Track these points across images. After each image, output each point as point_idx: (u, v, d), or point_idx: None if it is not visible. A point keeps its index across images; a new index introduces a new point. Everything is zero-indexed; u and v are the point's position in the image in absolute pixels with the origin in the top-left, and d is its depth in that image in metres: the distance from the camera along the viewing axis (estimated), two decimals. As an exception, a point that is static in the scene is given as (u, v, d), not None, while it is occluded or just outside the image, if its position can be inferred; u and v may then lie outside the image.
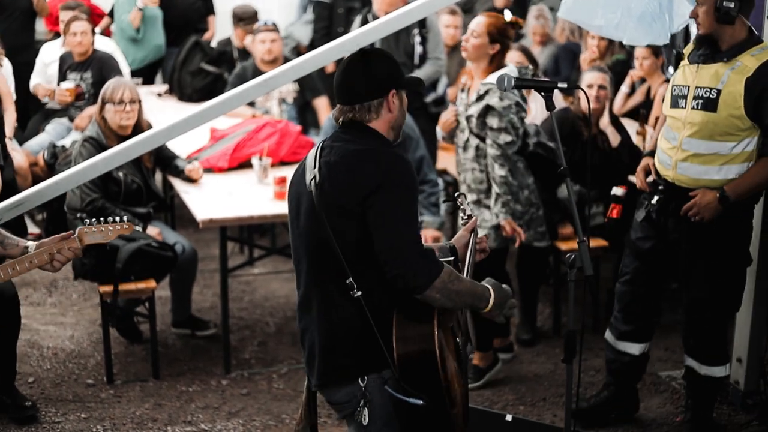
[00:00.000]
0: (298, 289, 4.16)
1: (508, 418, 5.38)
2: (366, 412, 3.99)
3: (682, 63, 5.72)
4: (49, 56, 9.81)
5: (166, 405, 6.47)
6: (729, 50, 5.47)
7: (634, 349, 6.10)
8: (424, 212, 7.24)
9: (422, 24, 8.90)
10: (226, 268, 6.90)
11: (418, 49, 9.00)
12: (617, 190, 7.04)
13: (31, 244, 4.76)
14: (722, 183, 5.51)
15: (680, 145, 5.60)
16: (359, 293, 3.88)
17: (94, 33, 9.33)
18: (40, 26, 11.31)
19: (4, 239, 4.82)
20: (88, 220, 4.80)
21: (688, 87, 5.58)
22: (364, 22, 8.64)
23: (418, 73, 8.96)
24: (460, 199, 4.72)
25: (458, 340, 4.20)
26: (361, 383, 3.99)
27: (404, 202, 3.87)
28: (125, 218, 4.85)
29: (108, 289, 6.68)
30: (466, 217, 4.61)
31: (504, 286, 4.13)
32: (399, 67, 4.14)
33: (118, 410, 6.39)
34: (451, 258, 4.28)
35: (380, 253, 3.84)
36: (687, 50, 5.76)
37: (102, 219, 4.80)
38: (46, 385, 6.71)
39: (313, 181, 3.96)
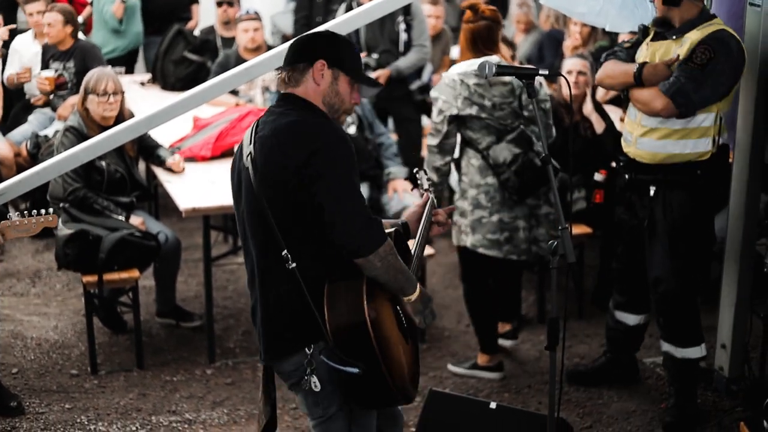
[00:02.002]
0: (246, 266, 4.23)
1: (493, 405, 5.38)
2: (314, 378, 4.06)
3: (645, 41, 5.84)
4: (20, 47, 9.78)
5: (151, 395, 6.46)
6: (680, 28, 5.63)
7: (629, 319, 6.32)
8: (389, 164, 7.37)
9: (407, 11, 8.89)
10: (210, 257, 6.89)
11: (403, 36, 8.99)
12: (598, 176, 7.07)
13: None
14: (680, 157, 5.67)
15: (639, 121, 5.77)
16: (294, 265, 3.94)
17: (73, 23, 9.27)
18: (21, 16, 11.27)
19: None
20: (11, 214, 4.74)
21: (638, 63, 5.73)
22: (349, 9, 8.64)
23: (404, 61, 8.96)
24: (418, 175, 4.78)
25: (399, 308, 4.23)
26: (307, 351, 4.05)
27: (344, 170, 3.93)
28: (51, 210, 4.78)
29: (91, 279, 6.66)
30: (422, 191, 4.68)
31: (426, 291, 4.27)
32: (343, 48, 4.16)
33: (102, 400, 6.38)
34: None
35: (328, 222, 3.90)
36: (653, 27, 5.83)
37: (26, 212, 4.73)
38: (30, 376, 6.69)
39: (249, 156, 4.04)
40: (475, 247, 6.36)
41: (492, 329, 6.75)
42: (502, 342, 6.95)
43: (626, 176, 5.96)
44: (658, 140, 5.71)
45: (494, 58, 6.15)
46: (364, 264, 3.96)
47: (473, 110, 6.23)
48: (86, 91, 6.94)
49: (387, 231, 4.10)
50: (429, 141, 6.42)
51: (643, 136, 5.75)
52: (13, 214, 4.86)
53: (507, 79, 6.20)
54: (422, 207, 4.55)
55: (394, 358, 4.03)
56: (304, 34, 4.35)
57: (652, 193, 5.81)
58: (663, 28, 5.71)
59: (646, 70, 5.61)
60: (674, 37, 5.65)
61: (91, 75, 7.04)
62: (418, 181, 4.76)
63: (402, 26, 8.94)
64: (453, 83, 6.25)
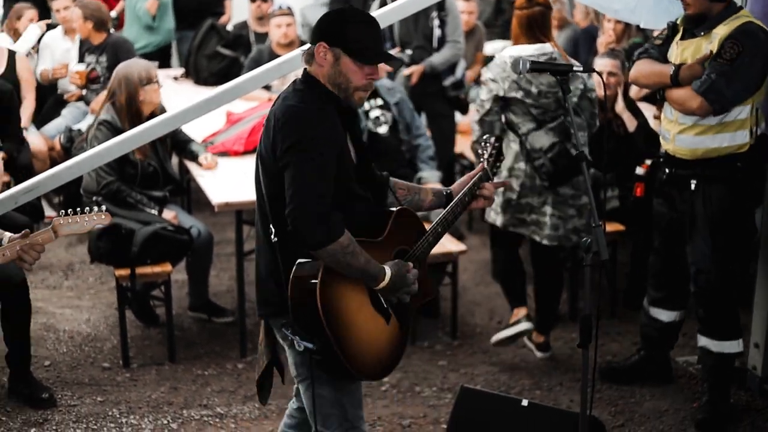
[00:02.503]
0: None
1: (524, 403, 5.37)
2: (297, 338, 4.18)
3: (675, 39, 5.84)
4: (51, 43, 9.85)
5: (182, 388, 6.47)
6: (708, 24, 5.63)
7: (664, 316, 6.30)
8: (423, 167, 7.35)
9: (441, 7, 8.86)
10: (242, 251, 6.89)
11: (437, 32, 8.97)
12: (640, 170, 7.04)
13: (5, 237, 4.72)
14: (719, 151, 5.70)
15: (676, 119, 5.80)
16: (275, 240, 4.16)
17: (94, 19, 9.30)
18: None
19: None
20: (64, 211, 4.76)
21: (673, 64, 5.75)
22: (383, 4, 8.61)
23: (437, 57, 8.93)
24: (481, 144, 4.80)
25: (381, 294, 4.27)
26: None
27: (313, 163, 4.01)
28: (104, 208, 4.80)
29: (124, 272, 6.69)
30: (480, 161, 4.71)
31: (409, 274, 4.28)
32: (346, 27, 4.16)
33: (134, 394, 6.40)
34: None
35: (287, 209, 4.02)
36: (682, 23, 5.83)
37: (78, 209, 4.74)
38: (63, 369, 6.72)
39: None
40: (505, 227, 6.58)
41: (519, 286, 6.98)
42: (535, 351, 6.99)
43: (666, 171, 5.97)
44: (696, 136, 5.73)
45: (547, 47, 6.37)
46: (315, 254, 4.07)
47: (518, 94, 6.40)
48: (141, 83, 6.92)
49: (393, 209, 4.31)
50: (473, 117, 6.71)
51: (681, 133, 5.77)
52: (53, 212, 4.86)
53: None
54: (471, 177, 4.61)
55: (351, 338, 4.13)
56: None
57: (693, 187, 5.82)
58: (692, 25, 5.69)
59: (682, 72, 5.62)
60: (702, 33, 5.65)
61: (134, 68, 7.00)
62: (479, 150, 4.77)
63: (436, 22, 8.92)
64: (503, 65, 6.43)
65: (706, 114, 5.60)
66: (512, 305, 6.99)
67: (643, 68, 5.88)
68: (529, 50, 6.37)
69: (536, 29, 6.43)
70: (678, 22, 5.82)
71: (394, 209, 4.37)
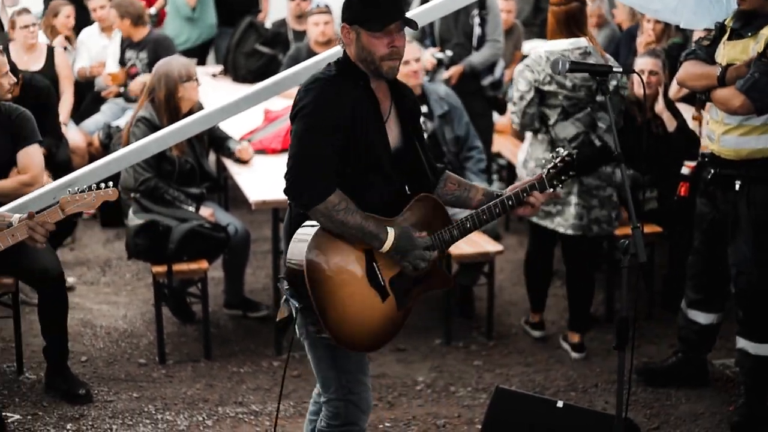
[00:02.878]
0: None
1: (559, 404, 5.35)
2: (289, 293, 4.38)
3: (722, 39, 5.81)
4: (87, 40, 9.91)
5: (218, 386, 6.49)
6: (756, 24, 5.62)
7: (701, 318, 6.27)
8: (472, 178, 7.29)
9: (482, 5, 8.82)
10: (278, 249, 6.89)
11: (477, 30, 8.93)
12: (685, 169, 7.00)
13: (15, 218, 4.74)
14: (764, 152, 5.71)
15: (722, 119, 5.80)
16: (289, 201, 4.40)
17: (131, 15, 9.37)
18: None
19: None
20: (70, 189, 4.78)
21: (720, 63, 5.75)
22: (424, 1, 8.58)
23: (477, 56, 8.89)
24: (559, 154, 4.66)
25: (376, 265, 4.34)
26: None
27: (312, 128, 4.21)
28: (111, 184, 4.82)
29: (161, 269, 6.71)
30: (543, 170, 4.63)
31: (420, 238, 4.34)
32: (355, 4, 4.32)
33: (169, 390, 6.42)
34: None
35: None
36: (729, 23, 5.81)
37: (86, 187, 4.77)
38: (99, 364, 6.75)
39: None
40: (530, 216, 6.55)
41: (540, 291, 7.23)
42: (570, 352, 7.00)
43: (711, 171, 5.94)
44: (740, 137, 5.72)
45: (582, 41, 6.52)
46: (310, 215, 4.25)
47: (552, 87, 6.60)
48: (181, 80, 6.95)
49: (420, 196, 4.41)
50: (510, 108, 6.87)
51: (726, 133, 5.77)
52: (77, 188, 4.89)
53: (590, 61, 6.39)
54: (525, 183, 4.58)
55: (336, 308, 4.25)
56: None
57: (737, 187, 5.80)
58: (743, 22, 5.67)
59: (729, 73, 5.62)
60: (750, 34, 5.63)
61: (174, 65, 7.02)
62: (546, 159, 4.68)
63: (476, 20, 8.88)
64: (539, 59, 6.62)
65: (749, 113, 5.58)
66: (532, 309, 7.30)
67: (690, 70, 5.86)
68: (564, 44, 6.52)
69: (573, 25, 6.56)
70: (726, 22, 5.79)
71: (420, 195, 4.43)
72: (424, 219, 4.44)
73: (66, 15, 9.40)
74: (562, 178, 4.58)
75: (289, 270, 4.31)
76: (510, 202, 4.52)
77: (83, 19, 10.33)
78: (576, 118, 6.59)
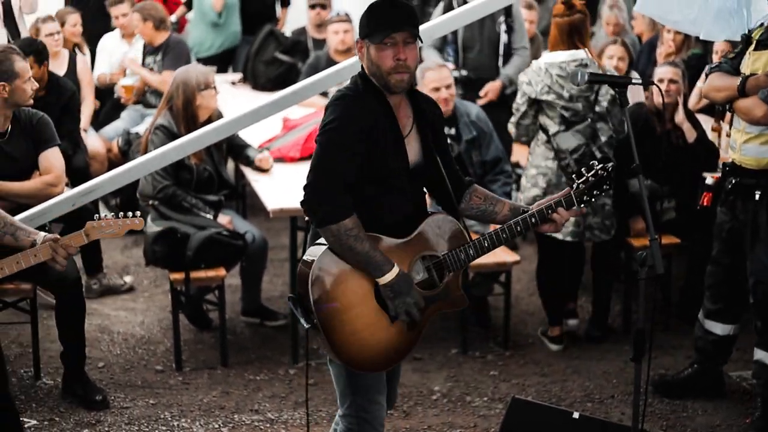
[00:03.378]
0: None
1: (575, 415, 5.35)
2: (299, 313, 4.39)
3: (748, 50, 5.82)
4: (109, 46, 9.96)
5: (234, 393, 6.50)
6: None
7: (718, 329, 6.25)
8: None
9: (509, 13, 8.81)
10: (296, 257, 6.89)
11: (504, 37, 8.91)
12: (709, 179, 6.99)
13: (40, 237, 4.78)
14: None
15: (743, 128, 5.81)
16: (306, 219, 4.39)
17: (153, 18, 9.43)
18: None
19: (17, 230, 4.85)
20: (98, 215, 4.82)
21: (744, 73, 5.75)
22: (448, 8, 8.58)
23: (510, 68, 8.88)
24: (593, 167, 4.57)
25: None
26: None
27: (334, 144, 4.22)
28: (138, 213, 4.88)
29: (179, 276, 6.73)
30: (570, 183, 4.57)
31: (418, 292, 4.32)
32: (363, 19, 4.33)
33: (186, 397, 6.43)
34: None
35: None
36: (756, 35, 5.80)
37: (113, 213, 4.81)
38: (116, 371, 6.77)
39: None
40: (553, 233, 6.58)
41: (555, 303, 7.26)
42: (548, 344, 7.23)
43: (732, 180, 5.94)
44: (762, 145, 5.74)
45: (580, 53, 6.72)
46: (320, 232, 4.26)
47: (550, 97, 6.80)
48: (199, 88, 6.96)
49: (434, 215, 4.40)
50: (511, 120, 7.09)
51: (747, 142, 5.78)
52: (104, 213, 4.95)
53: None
54: (551, 199, 4.53)
55: (342, 328, 4.27)
56: None
57: (757, 197, 5.80)
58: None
59: (749, 82, 5.63)
60: None
61: (192, 73, 7.04)
62: (575, 173, 4.59)
63: (503, 27, 8.86)
64: (539, 70, 6.85)
65: None
66: (549, 322, 7.34)
67: (714, 82, 5.89)
68: (563, 56, 6.74)
69: (575, 36, 6.78)
70: (752, 33, 5.79)
71: (434, 214, 4.43)
72: (439, 241, 4.42)
73: (72, 24, 9.40)
74: (595, 193, 4.50)
75: (301, 288, 4.36)
76: (533, 220, 4.46)
77: (103, 25, 10.38)
78: (576, 130, 6.74)
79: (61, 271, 5.00)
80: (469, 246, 4.43)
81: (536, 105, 6.87)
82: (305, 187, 4.24)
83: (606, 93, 6.84)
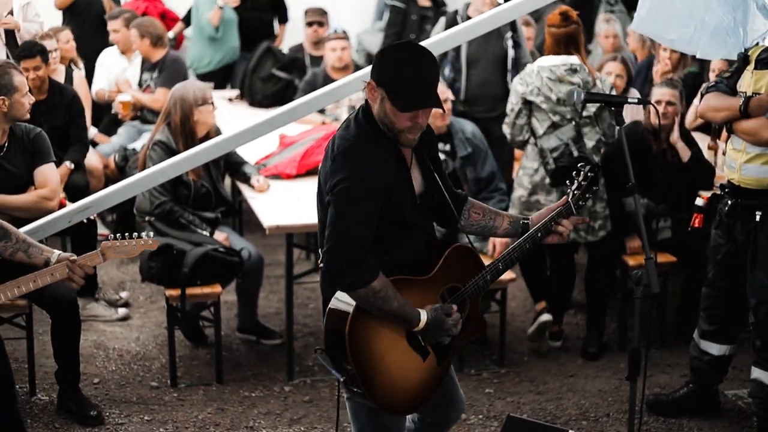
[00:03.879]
0: None
1: (571, 433, 5.34)
2: (330, 365, 4.36)
3: (748, 68, 5.84)
4: (108, 61, 9.98)
5: (229, 410, 6.49)
6: None
7: (714, 349, 6.24)
8: None
9: (514, 28, 8.85)
10: (292, 274, 6.91)
11: (511, 52, 8.94)
12: (700, 201, 7.00)
13: (54, 256, 4.78)
14: None
15: (744, 148, 5.81)
16: (321, 265, 4.20)
17: (150, 35, 9.46)
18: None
19: (29, 247, 4.85)
20: (112, 235, 4.84)
21: (745, 93, 5.78)
22: (451, 24, 8.60)
23: None
24: (582, 170, 4.61)
25: (418, 335, 4.31)
26: None
27: (355, 207, 4.09)
28: (152, 234, 4.91)
29: (174, 292, 6.72)
30: (567, 191, 4.59)
31: (449, 318, 4.29)
32: (391, 68, 4.12)
33: (181, 413, 6.43)
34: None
35: (323, 247, 4.16)
36: (753, 54, 5.79)
37: (127, 234, 4.82)
38: (111, 387, 6.76)
39: None
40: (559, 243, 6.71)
41: (539, 281, 7.55)
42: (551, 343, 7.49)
43: (729, 201, 5.93)
44: (763, 165, 5.75)
45: (573, 59, 7.03)
46: (348, 294, 4.17)
47: (539, 99, 7.06)
48: (196, 104, 6.98)
49: (451, 246, 4.38)
50: (505, 120, 7.33)
51: (748, 162, 5.78)
52: (108, 232, 4.99)
53: (575, 79, 6.94)
54: (551, 210, 4.54)
55: (380, 377, 4.24)
56: None
57: (758, 218, 5.80)
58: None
59: (752, 103, 5.63)
60: None
61: (190, 89, 7.06)
62: (569, 180, 4.62)
63: (510, 42, 8.89)
64: (531, 72, 7.14)
65: None
66: (534, 299, 7.59)
67: (712, 102, 5.90)
68: (555, 60, 7.04)
69: (571, 45, 7.05)
70: (749, 53, 5.80)
71: (451, 246, 4.40)
72: (460, 270, 4.43)
73: (65, 40, 9.40)
74: (587, 196, 4.56)
75: (330, 340, 4.29)
76: (539, 234, 4.49)
77: (102, 41, 10.40)
78: (560, 131, 6.98)
79: (77, 289, 5.02)
80: (487, 272, 4.45)
81: (529, 105, 7.11)
82: (326, 254, 4.11)
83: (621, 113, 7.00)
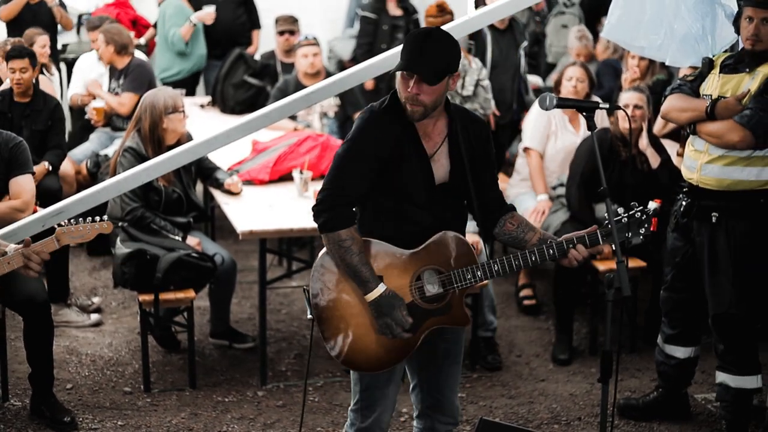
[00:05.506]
0: None
1: (543, 436, 5.38)
2: (307, 303, 4.70)
3: (713, 72, 5.89)
4: (85, 67, 9.97)
5: (202, 415, 6.51)
6: (754, 62, 5.74)
7: (679, 352, 6.29)
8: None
9: (527, 38, 9.17)
10: (265, 280, 6.93)
11: (522, 63, 9.24)
12: (652, 204, 7.05)
13: (11, 247, 4.78)
14: (745, 184, 5.78)
15: (707, 149, 5.84)
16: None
17: (115, 43, 9.46)
18: (71, 37, 11.54)
19: None
20: (65, 222, 4.85)
21: (711, 96, 5.82)
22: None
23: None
24: (636, 208, 4.74)
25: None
26: None
27: (345, 156, 4.48)
28: (105, 217, 4.94)
29: (148, 297, 6.73)
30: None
31: (401, 314, 4.47)
32: (403, 50, 4.42)
33: (154, 418, 6.43)
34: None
35: None
36: (718, 59, 5.84)
37: (81, 219, 4.84)
38: (84, 392, 6.76)
39: None
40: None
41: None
42: None
43: (685, 203, 5.99)
44: (724, 167, 5.78)
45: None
46: (321, 236, 4.53)
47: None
48: (166, 111, 6.99)
49: (442, 233, 4.51)
50: None
51: (710, 162, 5.82)
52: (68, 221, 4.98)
53: (465, 80, 7.76)
54: (578, 234, 4.61)
55: (334, 325, 4.57)
56: None
57: (714, 219, 5.84)
58: (747, 61, 5.76)
59: (719, 106, 5.69)
60: (747, 70, 5.74)
61: (161, 96, 7.07)
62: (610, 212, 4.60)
63: (522, 53, 9.18)
64: None
65: (748, 147, 5.68)
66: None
67: (675, 103, 5.93)
68: None
69: None
70: (714, 58, 5.87)
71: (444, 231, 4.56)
72: (446, 257, 4.53)
73: (41, 45, 9.40)
74: (628, 235, 4.65)
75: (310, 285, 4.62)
76: (550, 252, 4.56)
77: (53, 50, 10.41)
78: None
79: (34, 278, 5.01)
80: (477, 267, 4.53)
81: None
82: (318, 194, 4.50)
83: (472, 79, 8.17)
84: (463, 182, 4.55)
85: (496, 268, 4.53)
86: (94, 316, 7.84)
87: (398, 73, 4.41)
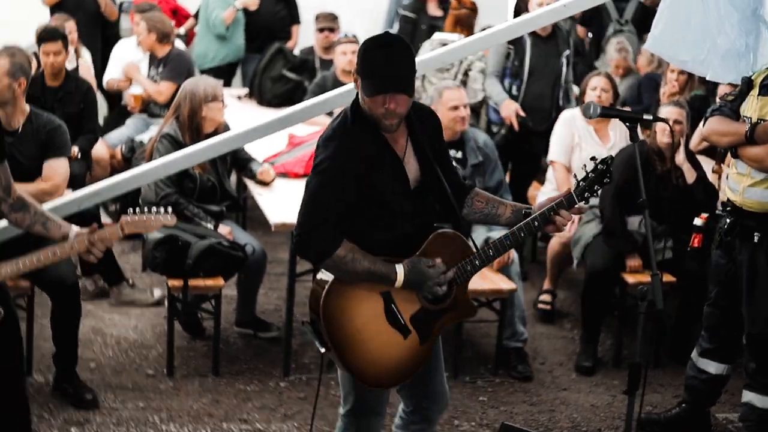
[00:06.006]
0: None
1: (564, 444, 5.38)
2: (314, 337, 4.62)
3: (752, 93, 5.85)
4: (123, 53, 10.01)
5: (224, 402, 6.53)
6: None
7: (712, 367, 6.24)
8: (495, 229, 7.32)
9: (570, 46, 9.20)
10: (295, 272, 6.94)
11: (564, 71, 9.18)
12: (698, 220, 7.04)
13: (73, 231, 4.77)
14: None
15: (749, 173, 5.82)
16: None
17: (157, 31, 9.49)
18: (126, 23, 11.56)
19: (47, 221, 4.79)
20: (131, 210, 4.85)
21: (750, 118, 5.78)
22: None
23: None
24: (596, 161, 4.59)
25: (394, 306, 4.44)
26: None
27: (322, 186, 4.31)
28: (170, 210, 4.92)
29: (177, 283, 6.75)
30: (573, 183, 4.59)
31: (430, 268, 4.41)
32: (364, 56, 4.31)
33: (175, 402, 6.46)
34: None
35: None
36: (757, 79, 5.82)
37: (146, 209, 4.85)
38: (107, 372, 6.80)
39: None
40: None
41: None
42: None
43: (728, 220, 5.96)
44: (766, 190, 5.75)
45: (454, 36, 8.91)
46: (321, 268, 4.44)
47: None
48: (206, 99, 7.02)
49: (442, 231, 4.49)
50: None
51: (753, 186, 5.79)
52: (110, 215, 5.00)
53: (453, 69, 8.39)
54: (552, 200, 4.57)
55: (355, 350, 4.42)
56: None
57: (756, 239, 5.82)
58: None
59: (758, 130, 5.65)
60: None
61: (201, 84, 7.12)
62: (586, 173, 4.59)
63: (565, 61, 9.13)
64: (431, 43, 9.17)
65: None
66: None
67: (716, 126, 5.92)
68: (440, 36, 9.21)
69: (457, 26, 9.44)
70: (753, 77, 5.85)
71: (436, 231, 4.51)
72: (444, 254, 4.49)
73: (69, 31, 9.44)
74: (596, 188, 4.53)
75: (312, 315, 4.54)
76: (536, 223, 4.52)
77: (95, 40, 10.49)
78: None
79: (94, 262, 5.03)
80: (474, 257, 4.52)
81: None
82: (295, 230, 4.37)
83: (477, 70, 9.05)
84: (435, 177, 4.50)
85: (491, 252, 4.52)
86: (157, 293, 7.89)
87: (360, 84, 4.30)
